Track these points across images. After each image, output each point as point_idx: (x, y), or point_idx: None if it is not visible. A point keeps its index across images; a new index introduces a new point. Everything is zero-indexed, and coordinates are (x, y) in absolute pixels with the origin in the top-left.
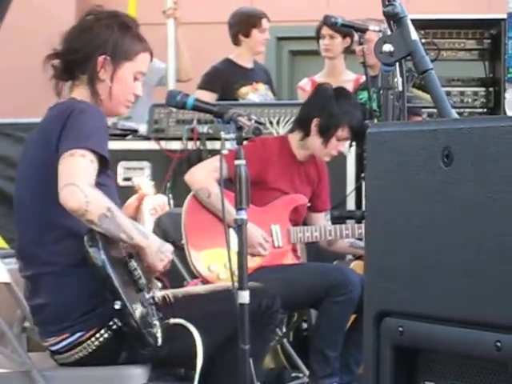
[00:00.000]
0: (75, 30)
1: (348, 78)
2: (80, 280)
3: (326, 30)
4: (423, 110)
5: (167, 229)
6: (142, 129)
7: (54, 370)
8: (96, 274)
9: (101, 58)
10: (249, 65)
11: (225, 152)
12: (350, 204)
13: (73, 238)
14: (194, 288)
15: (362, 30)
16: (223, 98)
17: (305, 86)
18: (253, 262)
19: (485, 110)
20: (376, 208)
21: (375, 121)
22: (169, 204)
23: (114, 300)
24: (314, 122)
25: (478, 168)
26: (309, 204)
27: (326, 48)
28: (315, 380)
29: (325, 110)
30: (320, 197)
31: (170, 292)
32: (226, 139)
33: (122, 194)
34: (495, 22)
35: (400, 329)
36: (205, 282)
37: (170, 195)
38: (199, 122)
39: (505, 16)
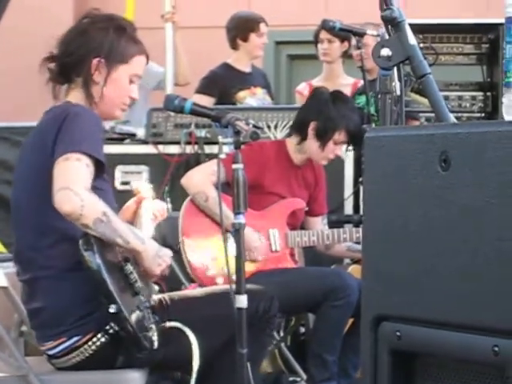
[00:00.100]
0: (71, 33)
1: (346, 83)
2: (76, 284)
3: (324, 35)
4: (421, 114)
5: (165, 233)
6: (140, 133)
7: (51, 374)
8: (91, 278)
9: (95, 61)
10: (247, 69)
11: (222, 156)
12: (348, 208)
13: (68, 242)
14: (191, 291)
15: (360, 35)
16: (221, 102)
17: (303, 91)
18: (250, 266)
19: (483, 114)
20: (374, 212)
21: (373, 125)
22: (167, 209)
23: (109, 304)
24: (311, 126)
25: (476, 172)
26: (306, 208)
27: (325, 52)
28: None
29: (322, 113)
30: (317, 201)
31: (166, 295)
32: (224, 143)
33: (119, 198)
34: (493, 27)
35: (397, 333)
36: (202, 286)
37: (168, 199)
38: (197, 126)
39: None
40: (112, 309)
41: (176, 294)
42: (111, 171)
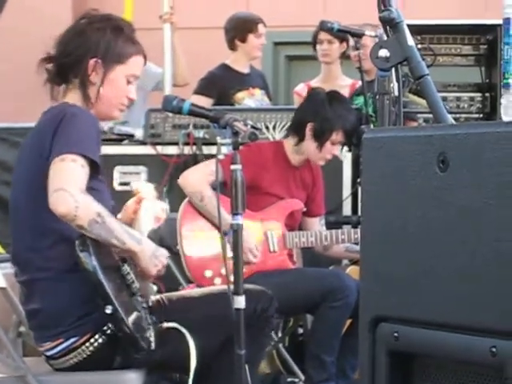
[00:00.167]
0: (68, 34)
1: (344, 83)
2: (74, 285)
3: (323, 35)
4: (419, 115)
5: (164, 235)
6: (138, 133)
7: (50, 374)
8: (88, 279)
9: (92, 61)
10: (245, 70)
11: (221, 157)
12: (346, 209)
13: (66, 243)
14: (189, 291)
15: (358, 35)
16: (219, 103)
17: (301, 92)
18: (248, 267)
19: (481, 115)
20: (372, 213)
21: (371, 126)
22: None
23: (106, 305)
24: (308, 127)
25: (474, 173)
26: (304, 209)
27: (324, 53)
28: None
29: (318, 114)
30: (315, 201)
31: (164, 295)
32: (222, 144)
33: (118, 199)
34: (491, 28)
35: (395, 334)
36: (200, 286)
37: (167, 200)
38: (195, 126)
39: (501, 22)
40: (108, 310)
41: (174, 295)
42: (109, 172)
